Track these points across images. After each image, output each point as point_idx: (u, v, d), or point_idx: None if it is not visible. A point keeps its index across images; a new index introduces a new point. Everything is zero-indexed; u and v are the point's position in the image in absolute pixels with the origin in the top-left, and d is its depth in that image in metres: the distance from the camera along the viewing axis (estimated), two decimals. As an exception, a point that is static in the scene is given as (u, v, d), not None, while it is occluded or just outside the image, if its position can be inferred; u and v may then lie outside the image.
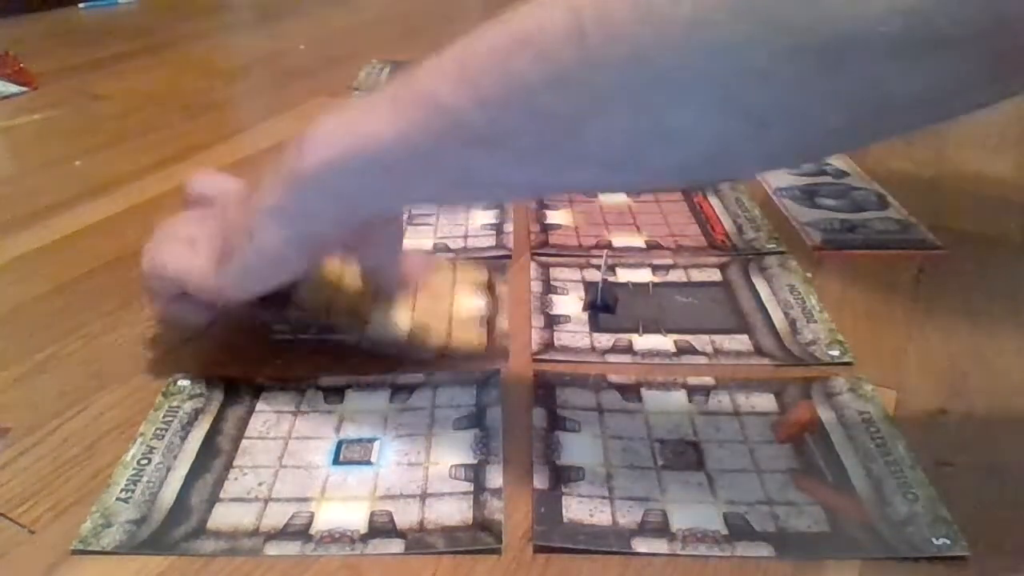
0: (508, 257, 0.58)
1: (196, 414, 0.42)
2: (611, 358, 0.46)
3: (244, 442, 0.40)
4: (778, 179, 0.68)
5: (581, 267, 0.55)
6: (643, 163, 0.33)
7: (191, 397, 0.43)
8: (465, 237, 0.60)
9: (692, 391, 0.43)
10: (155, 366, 0.46)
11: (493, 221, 0.62)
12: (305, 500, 0.37)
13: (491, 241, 0.60)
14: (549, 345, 0.47)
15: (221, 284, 0.41)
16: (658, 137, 0.31)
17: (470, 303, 0.51)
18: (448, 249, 0.59)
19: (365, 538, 0.35)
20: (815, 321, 0.49)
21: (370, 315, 0.48)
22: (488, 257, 0.58)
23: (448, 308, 0.50)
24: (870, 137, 0.37)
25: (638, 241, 0.59)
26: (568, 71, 0.30)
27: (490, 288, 0.53)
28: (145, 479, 0.38)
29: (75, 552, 0.34)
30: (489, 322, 0.49)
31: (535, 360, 0.46)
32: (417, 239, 0.60)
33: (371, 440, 0.40)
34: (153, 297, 0.45)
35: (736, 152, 0.32)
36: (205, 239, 0.42)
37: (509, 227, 0.61)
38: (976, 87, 0.28)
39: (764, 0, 0.27)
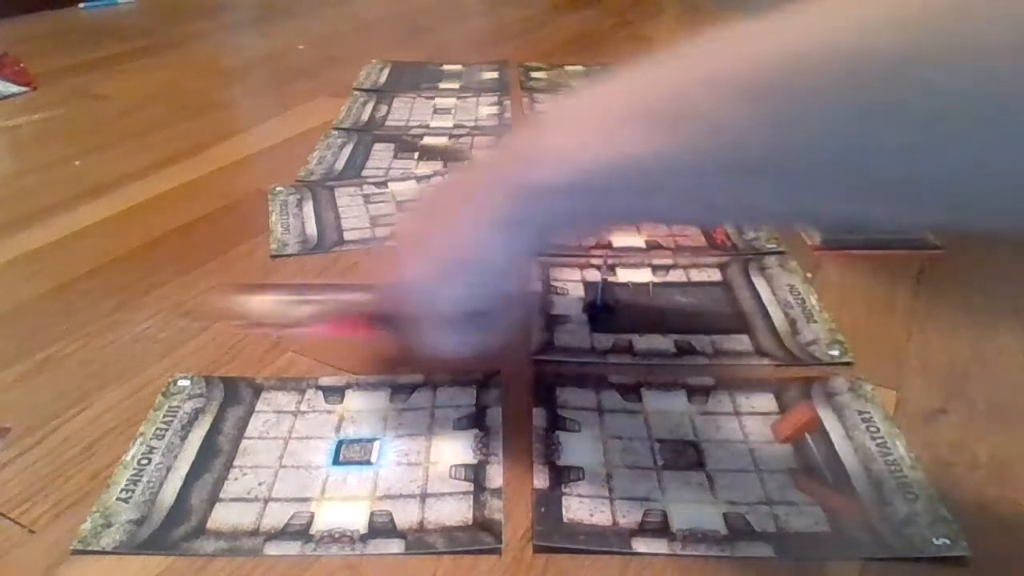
0: None
1: (196, 414, 0.42)
2: (611, 358, 0.46)
3: (244, 442, 0.40)
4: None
5: (581, 267, 0.55)
6: (951, 198, 0.28)
7: (191, 397, 0.43)
8: None
9: (692, 391, 0.43)
10: (155, 366, 0.46)
11: None
12: (305, 500, 0.37)
13: None
14: (549, 345, 0.47)
15: (439, 306, 0.38)
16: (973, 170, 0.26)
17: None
18: None
19: (365, 538, 0.35)
20: (815, 321, 0.49)
21: None
22: None
23: None
24: None
25: (638, 241, 0.59)
26: (900, 97, 0.26)
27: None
28: (145, 479, 0.38)
29: (75, 552, 0.34)
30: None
31: (535, 360, 0.46)
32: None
33: (371, 440, 0.40)
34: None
35: None
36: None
37: None
38: None
39: None
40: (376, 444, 0.40)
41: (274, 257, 0.57)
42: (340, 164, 0.72)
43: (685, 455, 0.39)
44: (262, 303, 0.51)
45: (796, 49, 0.28)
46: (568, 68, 0.98)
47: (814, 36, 0.28)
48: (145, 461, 0.39)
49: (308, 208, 0.63)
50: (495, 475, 0.38)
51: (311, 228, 0.61)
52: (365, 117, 0.83)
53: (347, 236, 0.60)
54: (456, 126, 0.81)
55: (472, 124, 0.81)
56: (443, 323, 0.39)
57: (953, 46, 0.25)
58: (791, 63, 0.28)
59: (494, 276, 0.38)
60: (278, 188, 0.66)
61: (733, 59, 0.29)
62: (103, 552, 0.34)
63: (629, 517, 0.35)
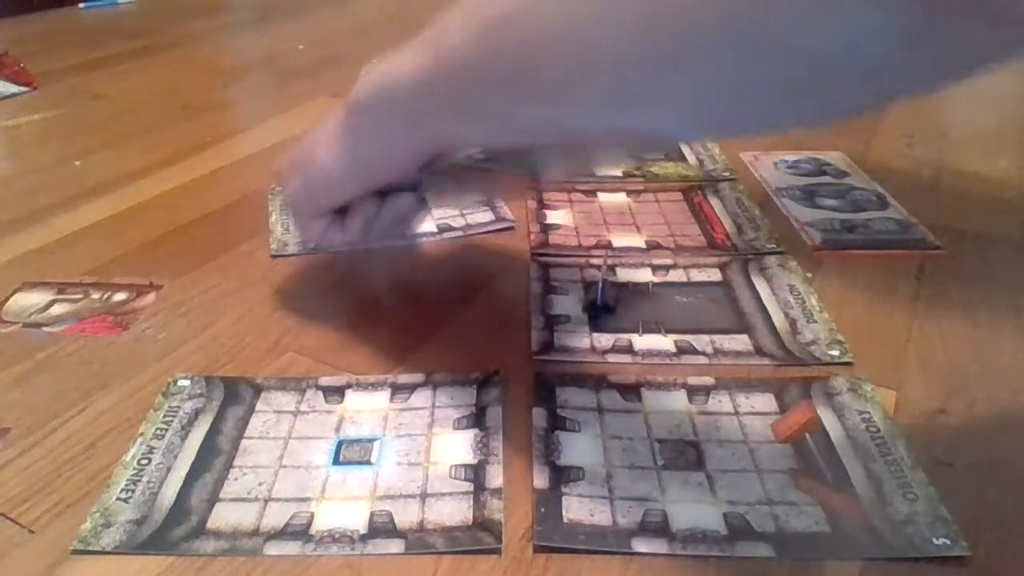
0: (511, 228, 0.60)
1: (196, 414, 0.42)
2: (611, 358, 0.46)
3: (244, 442, 0.40)
4: (778, 179, 0.68)
5: (581, 267, 0.55)
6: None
7: (191, 397, 0.43)
8: (463, 215, 0.62)
9: (692, 391, 0.43)
10: (155, 366, 0.46)
11: (480, 198, 0.65)
12: (305, 500, 0.37)
13: (489, 216, 0.62)
14: (549, 345, 0.47)
15: (295, 201, 0.48)
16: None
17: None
18: (451, 228, 0.60)
19: (365, 538, 0.35)
20: (815, 321, 0.49)
21: None
22: (493, 231, 0.60)
23: None
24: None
25: (638, 241, 0.59)
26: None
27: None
28: (145, 479, 0.38)
29: (75, 552, 0.34)
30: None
31: (535, 360, 0.46)
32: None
33: (371, 440, 0.40)
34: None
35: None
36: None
37: (500, 200, 0.64)
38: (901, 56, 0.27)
39: None
40: (376, 444, 0.40)
41: (274, 257, 0.57)
42: (340, 164, 0.72)
43: (685, 455, 0.39)
44: (15, 301, 0.52)
45: None
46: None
47: None
48: (145, 461, 0.39)
49: (308, 208, 0.63)
50: (495, 475, 0.38)
51: (311, 228, 0.61)
52: (365, 117, 0.83)
53: (347, 236, 0.60)
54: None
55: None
56: (308, 213, 0.48)
57: None
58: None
59: (327, 178, 0.45)
60: (278, 188, 0.66)
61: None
62: (103, 552, 0.34)
63: (629, 517, 0.35)
